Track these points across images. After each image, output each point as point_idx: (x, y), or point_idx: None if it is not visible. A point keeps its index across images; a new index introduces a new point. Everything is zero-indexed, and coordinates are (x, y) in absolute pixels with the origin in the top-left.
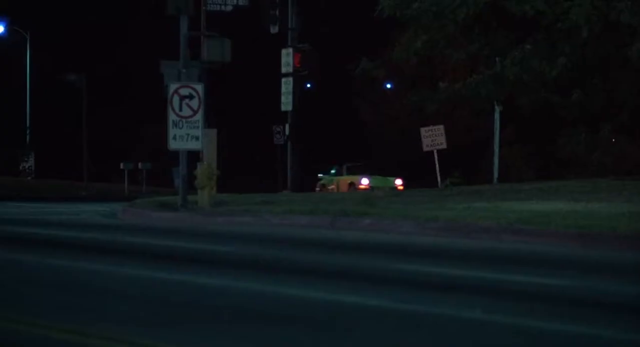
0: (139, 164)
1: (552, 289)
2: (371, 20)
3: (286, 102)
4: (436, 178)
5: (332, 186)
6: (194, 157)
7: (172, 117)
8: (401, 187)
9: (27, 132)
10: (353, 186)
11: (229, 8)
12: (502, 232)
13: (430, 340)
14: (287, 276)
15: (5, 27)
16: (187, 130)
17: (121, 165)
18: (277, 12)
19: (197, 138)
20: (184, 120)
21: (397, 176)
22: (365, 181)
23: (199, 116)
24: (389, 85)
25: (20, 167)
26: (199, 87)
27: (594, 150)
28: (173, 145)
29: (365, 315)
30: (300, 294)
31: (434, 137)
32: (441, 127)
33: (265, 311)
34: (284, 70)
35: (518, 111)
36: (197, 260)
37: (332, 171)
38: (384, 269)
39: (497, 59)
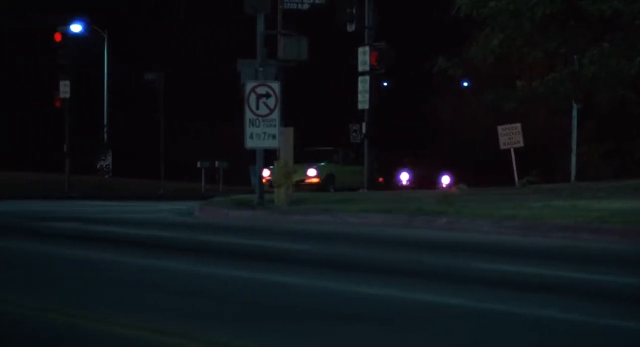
0: (216, 163)
1: (633, 288)
2: (448, 18)
3: (363, 101)
4: (513, 177)
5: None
6: (270, 155)
7: (248, 115)
8: (315, 180)
9: (105, 130)
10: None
11: (306, 6)
12: (580, 230)
13: (506, 338)
14: (364, 275)
15: (84, 26)
16: (264, 129)
17: (198, 164)
18: (354, 10)
19: (273, 136)
20: (260, 118)
21: (310, 165)
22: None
23: (275, 115)
24: (465, 84)
25: (98, 166)
26: (276, 86)
27: None
28: (250, 143)
29: (442, 314)
30: (376, 293)
31: (511, 136)
32: (518, 125)
33: (339, 309)
34: (360, 68)
35: (596, 109)
36: (273, 258)
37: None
38: (461, 267)
39: (575, 57)
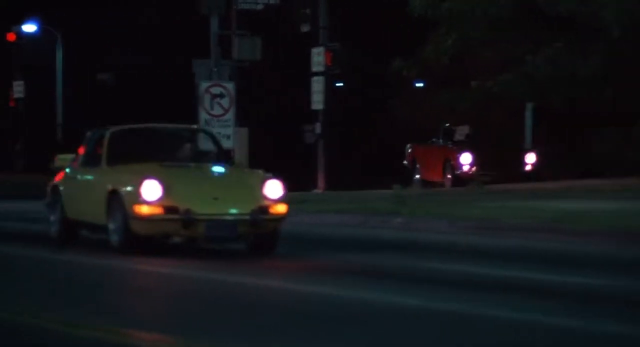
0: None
1: (586, 287)
2: (405, 19)
3: (317, 101)
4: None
5: None
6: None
7: (203, 116)
8: None
9: (59, 130)
10: None
11: (260, 7)
12: (536, 231)
13: (459, 337)
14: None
15: (37, 26)
16: (218, 129)
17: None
18: (308, 11)
19: (228, 137)
20: (215, 119)
21: None
22: None
23: (230, 115)
24: (420, 84)
25: (51, 166)
26: (230, 86)
27: (627, 149)
28: (204, 144)
29: (400, 314)
30: (338, 294)
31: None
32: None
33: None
34: (314, 69)
35: (550, 110)
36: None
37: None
38: (413, 268)
39: (528, 57)
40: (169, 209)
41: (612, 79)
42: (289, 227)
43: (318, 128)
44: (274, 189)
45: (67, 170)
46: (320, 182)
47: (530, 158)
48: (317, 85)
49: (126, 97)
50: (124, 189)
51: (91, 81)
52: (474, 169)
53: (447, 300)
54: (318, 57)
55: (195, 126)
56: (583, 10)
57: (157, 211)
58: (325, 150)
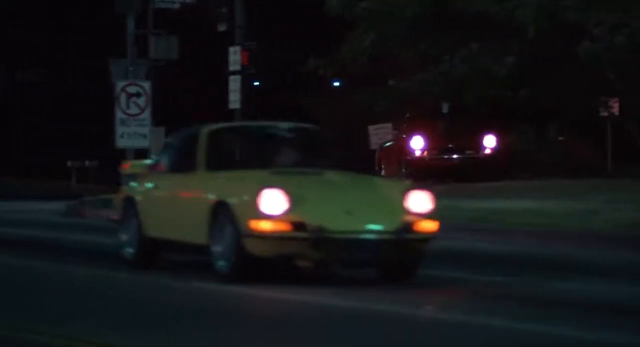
0: (86, 162)
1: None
2: (323, 18)
3: (234, 100)
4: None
5: None
6: (142, 155)
7: (119, 115)
8: None
9: None
10: None
11: (177, 5)
12: (459, 230)
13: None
14: None
15: None
16: (135, 129)
17: (68, 163)
18: (225, 10)
19: (144, 136)
20: (131, 118)
21: None
22: None
23: (146, 114)
24: (337, 84)
25: None
26: (147, 85)
27: (541, 148)
28: (120, 143)
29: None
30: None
31: (382, 135)
32: (389, 125)
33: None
34: (231, 68)
35: (466, 109)
36: None
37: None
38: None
39: (445, 57)
40: (296, 226)
41: (528, 79)
42: None
43: None
44: (420, 201)
45: (140, 180)
46: None
47: (490, 141)
48: (234, 84)
49: (47, 96)
50: (235, 200)
51: (10, 80)
52: (426, 153)
53: (363, 301)
54: (234, 56)
55: (306, 125)
56: (499, 10)
57: (282, 227)
58: None
